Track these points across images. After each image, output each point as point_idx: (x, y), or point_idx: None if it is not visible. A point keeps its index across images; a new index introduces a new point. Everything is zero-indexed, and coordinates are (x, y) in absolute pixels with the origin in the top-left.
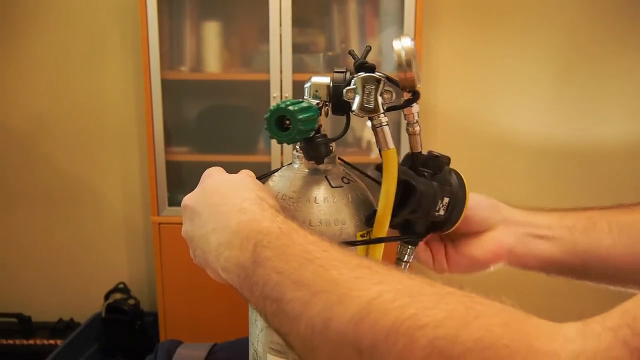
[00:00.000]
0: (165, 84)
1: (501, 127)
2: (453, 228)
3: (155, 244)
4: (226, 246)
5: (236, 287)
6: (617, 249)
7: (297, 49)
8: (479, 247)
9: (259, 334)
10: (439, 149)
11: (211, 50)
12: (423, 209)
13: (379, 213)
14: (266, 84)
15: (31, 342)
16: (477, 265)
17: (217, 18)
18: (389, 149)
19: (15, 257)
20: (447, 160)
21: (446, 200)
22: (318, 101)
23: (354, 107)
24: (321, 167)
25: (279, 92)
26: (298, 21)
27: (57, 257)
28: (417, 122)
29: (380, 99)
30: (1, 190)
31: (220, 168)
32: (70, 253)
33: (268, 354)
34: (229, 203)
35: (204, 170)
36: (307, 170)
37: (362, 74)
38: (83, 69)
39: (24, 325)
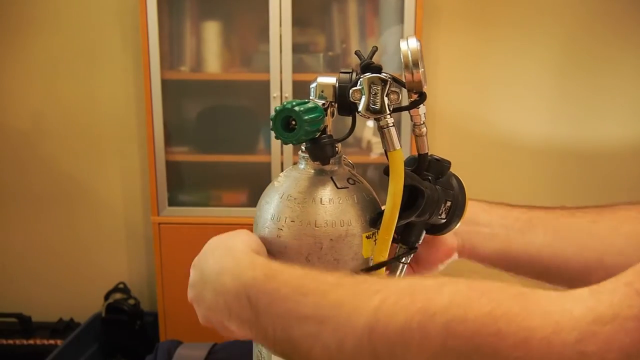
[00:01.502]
0: (165, 84)
1: (501, 126)
2: (450, 231)
3: (155, 244)
4: (227, 310)
5: (255, 341)
6: (546, 250)
7: (297, 49)
8: (431, 252)
9: None
10: (439, 148)
11: (211, 50)
12: (428, 213)
13: (385, 215)
14: (266, 84)
15: (31, 342)
16: (430, 266)
17: (217, 18)
18: (395, 149)
19: (15, 257)
20: (448, 164)
21: (448, 204)
22: (323, 101)
23: (360, 107)
24: (327, 167)
25: (279, 92)
26: (298, 21)
27: (57, 257)
28: (423, 123)
29: (386, 100)
30: (1, 191)
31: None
32: (70, 253)
33: (272, 355)
34: (210, 266)
35: (204, 170)
36: (312, 171)
37: (369, 75)
38: (83, 69)
39: (24, 325)
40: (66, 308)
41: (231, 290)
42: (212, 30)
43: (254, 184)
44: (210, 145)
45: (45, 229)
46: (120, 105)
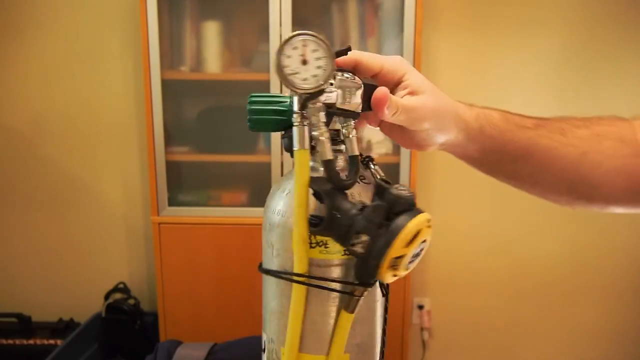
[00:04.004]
0: (165, 84)
1: None
2: (373, 279)
3: (155, 244)
4: None
5: None
6: (529, 180)
7: None
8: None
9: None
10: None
11: (211, 50)
12: (333, 233)
13: (294, 217)
14: (266, 84)
15: (31, 342)
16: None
17: (217, 18)
18: (298, 149)
19: (15, 257)
20: (408, 201)
21: (364, 238)
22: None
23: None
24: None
25: (279, 92)
26: (298, 21)
27: (57, 257)
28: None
29: (295, 97)
30: (1, 191)
31: None
32: (71, 253)
33: (281, 347)
34: None
35: (204, 170)
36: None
37: None
38: (83, 69)
39: (24, 325)
40: (66, 308)
41: None
42: (212, 30)
43: (254, 184)
44: (210, 145)
45: (45, 229)
46: (121, 105)
